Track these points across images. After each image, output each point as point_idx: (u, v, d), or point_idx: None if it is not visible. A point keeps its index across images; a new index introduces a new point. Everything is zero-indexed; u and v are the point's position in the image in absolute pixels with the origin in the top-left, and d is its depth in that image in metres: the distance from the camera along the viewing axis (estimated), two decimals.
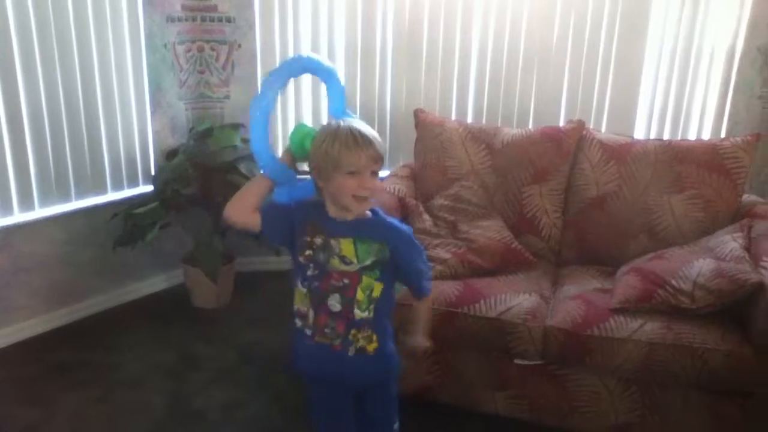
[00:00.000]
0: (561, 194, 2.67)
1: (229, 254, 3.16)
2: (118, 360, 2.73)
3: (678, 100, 3.16)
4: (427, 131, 2.85)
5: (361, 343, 1.59)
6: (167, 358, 2.74)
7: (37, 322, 2.90)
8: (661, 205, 2.53)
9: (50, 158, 2.81)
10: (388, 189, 2.66)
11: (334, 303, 1.56)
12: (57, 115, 2.79)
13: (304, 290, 1.59)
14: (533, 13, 3.14)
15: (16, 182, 2.73)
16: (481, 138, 2.77)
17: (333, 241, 1.56)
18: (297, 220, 1.61)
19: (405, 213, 2.56)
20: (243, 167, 3.13)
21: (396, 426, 1.73)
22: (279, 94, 1.64)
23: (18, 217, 2.76)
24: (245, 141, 3.16)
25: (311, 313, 1.59)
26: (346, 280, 1.56)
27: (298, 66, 1.70)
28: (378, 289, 1.58)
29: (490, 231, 2.52)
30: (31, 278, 2.86)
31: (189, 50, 3.23)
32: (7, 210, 2.73)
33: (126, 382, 2.58)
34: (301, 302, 1.61)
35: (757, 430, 2.04)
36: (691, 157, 2.53)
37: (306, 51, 3.30)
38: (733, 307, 2.08)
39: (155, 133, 3.19)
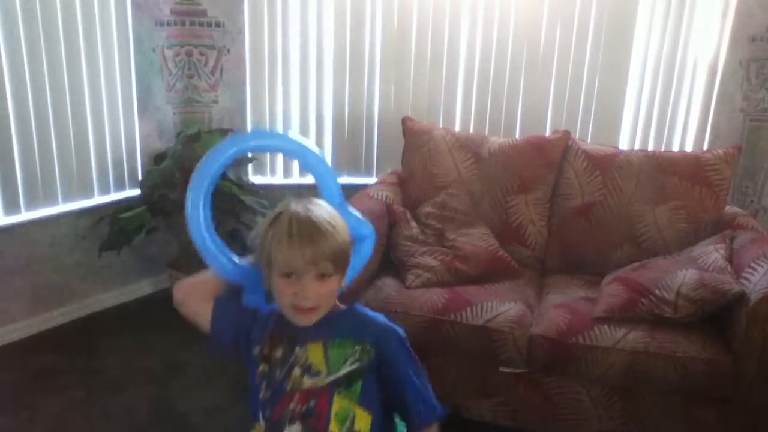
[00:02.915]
0: (546, 203, 2.70)
1: None
2: (101, 365, 2.71)
3: (662, 112, 3.21)
4: (414, 139, 2.86)
5: None
6: (151, 363, 2.72)
7: (20, 326, 2.88)
8: (644, 215, 2.56)
9: (37, 161, 2.79)
10: (376, 196, 2.67)
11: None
12: (44, 118, 2.78)
13: (261, 426, 1.20)
14: (520, 25, 3.17)
15: (1, 185, 2.71)
16: (468, 146, 2.80)
17: (298, 349, 1.19)
18: (256, 326, 1.25)
19: (392, 220, 2.57)
20: (231, 173, 3.13)
21: None
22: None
23: (3, 220, 2.74)
24: None
25: None
26: (311, 403, 1.14)
27: (257, 144, 1.39)
28: (364, 420, 1.14)
29: (477, 239, 2.54)
30: (15, 282, 2.84)
31: (178, 54, 3.23)
32: None
33: (109, 386, 2.56)
34: None
35: None
36: (674, 169, 2.57)
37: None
38: (714, 316, 2.11)
39: (143, 137, 3.18)
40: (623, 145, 3.24)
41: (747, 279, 2.09)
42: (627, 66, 3.17)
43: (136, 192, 3.08)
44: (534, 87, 3.25)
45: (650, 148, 3.22)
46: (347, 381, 1.14)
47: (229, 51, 3.29)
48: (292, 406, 1.15)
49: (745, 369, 1.99)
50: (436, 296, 2.27)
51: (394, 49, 3.28)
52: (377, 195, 2.69)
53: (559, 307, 2.27)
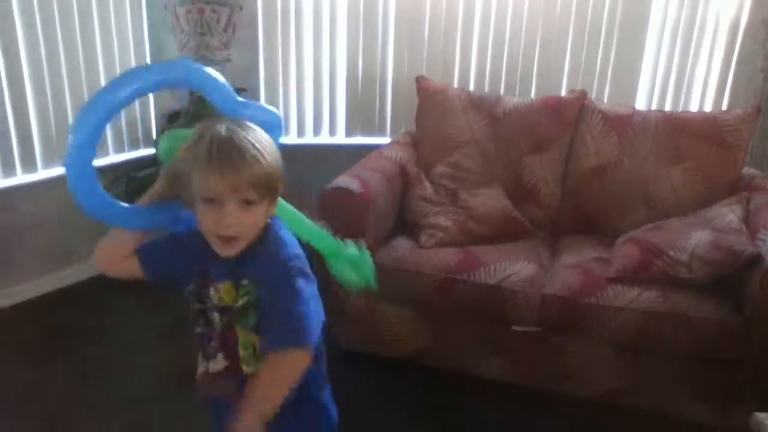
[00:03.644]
0: (561, 164, 2.68)
1: None
2: (116, 322, 2.75)
3: (680, 72, 3.15)
4: (428, 99, 2.84)
5: None
6: (164, 321, 2.75)
7: (36, 284, 2.92)
8: (660, 176, 2.54)
9: (52, 119, 2.80)
10: (390, 156, 2.66)
11: (218, 362, 1.24)
12: (58, 76, 2.78)
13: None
14: None
15: (18, 143, 2.73)
16: (482, 106, 2.77)
17: (212, 290, 1.20)
18: (188, 258, 1.22)
19: (406, 180, 2.57)
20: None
21: None
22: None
23: (20, 177, 2.77)
24: None
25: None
26: (227, 334, 1.22)
27: (151, 80, 1.18)
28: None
29: (490, 199, 2.54)
30: (31, 239, 2.87)
31: (190, 12, 3.20)
32: (10, 170, 2.74)
33: (123, 343, 2.60)
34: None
35: (743, 396, 2.08)
36: (691, 129, 2.53)
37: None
38: (728, 279, 2.11)
39: (156, 96, 3.18)
40: (640, 105, 3.20)
41: (762, 240, 2.08)
42: (646, 24, 3.10)
43: (151, 151, 3.09)
44: (551, 46, 3.20)
45: (668, 108, 3.18)
46: (242, 311, 1.17)
47: (241, 8, 3.25)
48: (213, 343, 1.23)
49: (757, 331, 1.99)
50: (450, 256, 2.28)
51: (408, 5, 3.23)
52: (391, 155, 2.68)
53: (572, 267, 2.27)
